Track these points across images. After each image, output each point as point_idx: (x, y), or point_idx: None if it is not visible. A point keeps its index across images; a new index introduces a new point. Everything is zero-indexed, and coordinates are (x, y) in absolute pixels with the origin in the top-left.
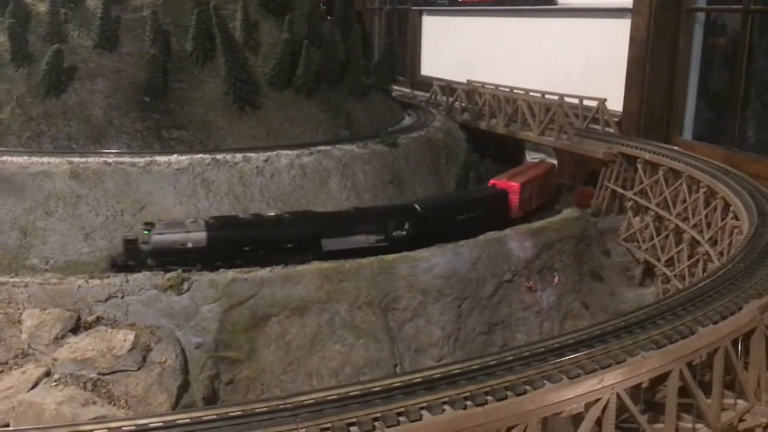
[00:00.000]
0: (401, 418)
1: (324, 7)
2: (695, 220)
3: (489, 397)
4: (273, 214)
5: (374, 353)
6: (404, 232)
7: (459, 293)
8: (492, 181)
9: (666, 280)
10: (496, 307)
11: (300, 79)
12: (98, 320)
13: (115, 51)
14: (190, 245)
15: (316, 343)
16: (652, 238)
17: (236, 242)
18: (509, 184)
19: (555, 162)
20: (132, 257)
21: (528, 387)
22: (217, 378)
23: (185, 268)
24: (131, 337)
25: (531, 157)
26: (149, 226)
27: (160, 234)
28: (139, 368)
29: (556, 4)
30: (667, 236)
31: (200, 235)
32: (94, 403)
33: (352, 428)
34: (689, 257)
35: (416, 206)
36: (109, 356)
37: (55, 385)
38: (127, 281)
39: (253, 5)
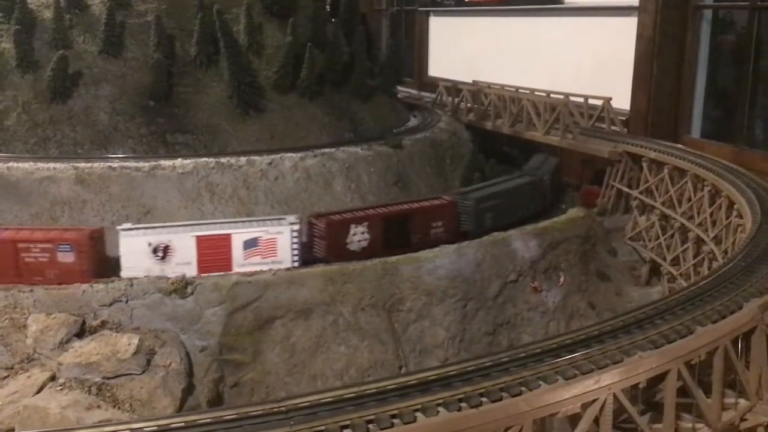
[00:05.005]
0: (395, 420)
1: (329, 9)
2: (700, 219)
3: (484, 399)
4: None
5: (379, 355)
6: None
7: (464, 294)
8: None
9: (672, 278)
10: (502, 308)
11: (304, 81)
12: (103, 324)
13: (119, 56)
14: None
15: (320, 345)
16: (657, 237)
17: None
18: None
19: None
20: None
21: (523, 388)
22: (221, 381)
23: None
24: (135, 340)
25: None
26: None
27: None
28: (144, 372)
29: (562, 3)
30: (672, 235)
31: None
32: (99, 407)
33: (345, 430)
34: (695, 256)
35: None
36: (113, 360)
37: (60, 390)
38: (131, 285)
39: (256, 9)
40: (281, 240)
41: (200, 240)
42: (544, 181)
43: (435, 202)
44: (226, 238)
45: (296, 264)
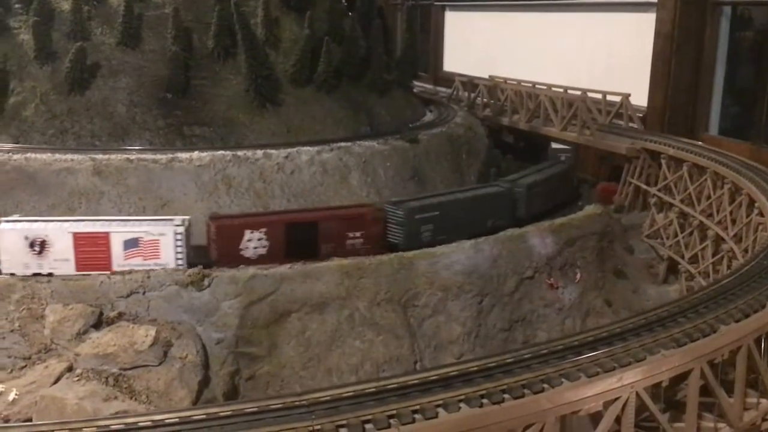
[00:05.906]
0: (417, 416)
1: (345, 3)
2: (720, 217)
3: (506, 395)
4: None
5: (394, 350)
6: None
7: (479, 290)
8: None
9: (690, 277)
10: (518, 304)
11: (321, 75)
12: (120, 316)
13: (137, 48)
14: None
15: (335, 339)
16: (676, 235)
17: None
18: None
19: None
20: None
21: (545, 385)
22: (237, 373)
23: None
24: (152, 332)
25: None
26: None
27: None
28: (160, 363)
29: None
30: (691, 233)
31: None
32: (116, 398)
33: (367, 425)
34: (714, 254)
35: None
36: (130, 351)
37: (77, 380)
38: (148, 277)
39: (274, 2)
40: (164, 241)
41: (77, 237)
42: (513, 192)
43: (352, 210)
44: (104, 237)
45: (181, 267)
